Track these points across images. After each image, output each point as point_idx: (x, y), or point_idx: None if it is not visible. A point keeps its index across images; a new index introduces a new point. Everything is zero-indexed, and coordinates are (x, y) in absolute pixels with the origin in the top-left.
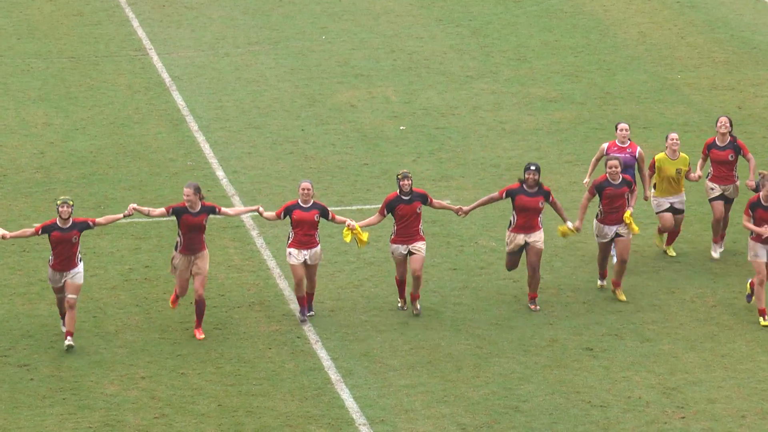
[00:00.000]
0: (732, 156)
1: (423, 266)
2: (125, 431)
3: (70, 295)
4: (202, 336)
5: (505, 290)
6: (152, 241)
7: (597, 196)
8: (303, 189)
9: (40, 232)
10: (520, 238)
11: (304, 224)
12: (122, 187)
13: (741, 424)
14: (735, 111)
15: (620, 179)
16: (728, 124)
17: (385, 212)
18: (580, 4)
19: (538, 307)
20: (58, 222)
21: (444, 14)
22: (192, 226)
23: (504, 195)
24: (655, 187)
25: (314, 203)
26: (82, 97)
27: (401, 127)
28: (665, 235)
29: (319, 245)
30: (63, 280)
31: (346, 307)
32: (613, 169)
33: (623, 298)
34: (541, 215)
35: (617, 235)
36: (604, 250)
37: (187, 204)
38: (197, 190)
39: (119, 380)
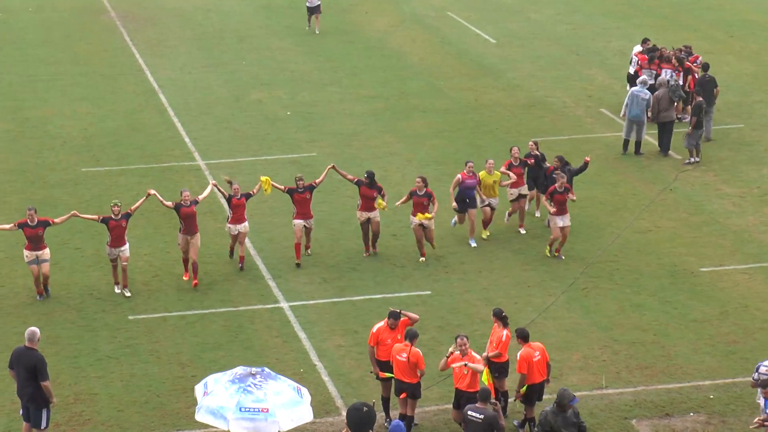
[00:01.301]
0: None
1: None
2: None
3: (123, 263)
4: (196, 282)
5: None
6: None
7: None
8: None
9: (99, 220)
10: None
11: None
12: (133, 149)
13: None
14: (473, 101)
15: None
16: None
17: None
18: (384, 41)
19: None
20: (112, 216)
21: (313, 48)
22: (188, 215)
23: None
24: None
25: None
26: (107, 97)
27: (288, 113)
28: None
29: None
30: (117, 254)
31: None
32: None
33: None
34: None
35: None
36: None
37: (182, 201)
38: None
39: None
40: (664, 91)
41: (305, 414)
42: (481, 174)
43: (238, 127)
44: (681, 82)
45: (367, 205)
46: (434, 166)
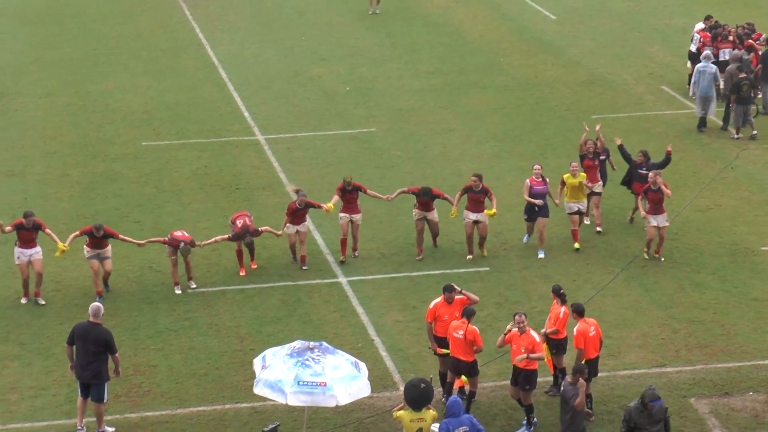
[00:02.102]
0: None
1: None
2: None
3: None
4: (255, 265)
5: None
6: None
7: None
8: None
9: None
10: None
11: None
12: (192, 123)
13: None
14: (533, 78)
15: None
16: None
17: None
18: (444, 17)
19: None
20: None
21: (373, 23)
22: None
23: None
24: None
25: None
26: (168, 72)
27: (347, 88)
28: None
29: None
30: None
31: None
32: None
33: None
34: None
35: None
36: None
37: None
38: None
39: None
40: (735, 66)
41: (363, 388)
42: (566, 176)
43: (297, 103)
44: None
45: (424, 205)
46: (492, 143)
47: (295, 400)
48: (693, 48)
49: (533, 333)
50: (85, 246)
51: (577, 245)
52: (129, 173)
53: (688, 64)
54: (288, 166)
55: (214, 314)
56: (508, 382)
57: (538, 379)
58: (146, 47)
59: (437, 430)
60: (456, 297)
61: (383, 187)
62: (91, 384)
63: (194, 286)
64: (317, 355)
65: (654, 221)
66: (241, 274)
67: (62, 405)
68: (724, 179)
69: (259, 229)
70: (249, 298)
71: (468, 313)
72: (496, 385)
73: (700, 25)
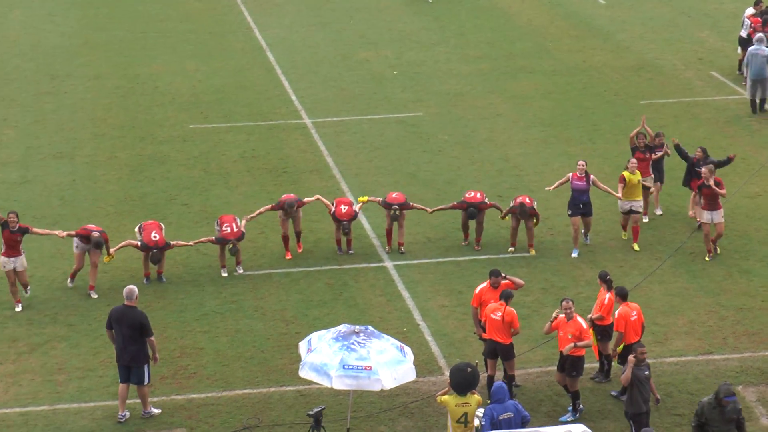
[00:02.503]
0: None
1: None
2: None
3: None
4: (301, 248)
5: None
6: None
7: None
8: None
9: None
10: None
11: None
12: (240, 106)
13: None
14: (581, 63)
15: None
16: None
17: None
18: (493, 1)
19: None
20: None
21: (421, 7)
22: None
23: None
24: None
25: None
26: (216, 55)
27: (394, 72)
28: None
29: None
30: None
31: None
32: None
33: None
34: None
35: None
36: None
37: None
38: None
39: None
40: None
41: (408, 373)
42: (625, 174)
43: (344, 86)
44: None
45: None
46: (540, 128)
47: (340, 383)
48: (743, 33)
49: (580, 319)
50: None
51: (624, 234)
52: (177, 156)
53: (739, 50)
54: (335, 149)
55: (260, 297)
56: (554, 368)
57: (585, 365)
58: (194, 30)
59: (482, 415)
60: (502, 282)
61: (430, 171)
62: (131, 367)
63: (241, 271)
64: (363, 339)
65: (708, 216)
66: (287, 257)
67: (109, 386)
68: None
69: (305, 200)
70: (295, 282)
71: (506, 296)
72: (542, 371)
73: (751, 10)
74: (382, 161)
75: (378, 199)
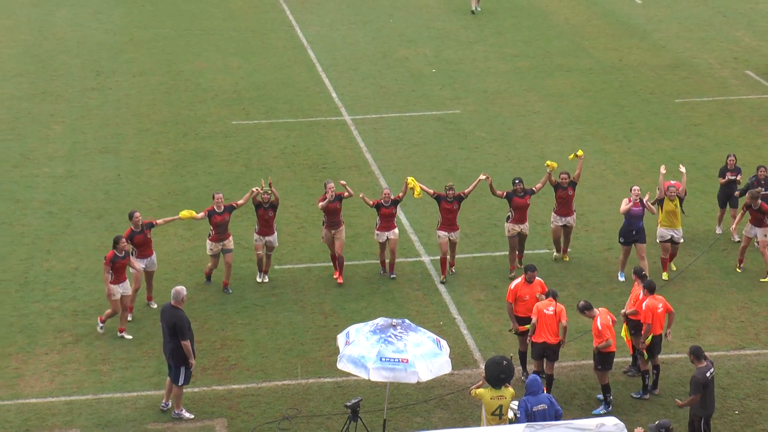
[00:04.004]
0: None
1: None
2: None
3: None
4: (341, 281)
5: None
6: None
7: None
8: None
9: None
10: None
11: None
12: (281, 103)
13: None
14: (617, 62)
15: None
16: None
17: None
18: (534, 1)
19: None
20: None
21: (460, 6)
22: (332, 210)
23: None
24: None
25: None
26: (258, 52)
27: (433, 70)
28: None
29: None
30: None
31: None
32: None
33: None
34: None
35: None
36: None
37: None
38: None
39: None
40: None
41: (444, 366)
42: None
43: (383, 84)
44: None
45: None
46: (576, 126)
47: (377, 375)
48: None
49: (606, 315)
50: (208, 240)
51: (665, 275)
52: (219, 151)
53: None
54: (374, 146)
55: (300, 291)
56: (587, 362)
57: (616, 359)
58: (237, 28)
59: (516, 407)
60: (536, 278)
61: (467, 168)
62: (170, 364)
63: (266, 280)
64: (400, 332)
65: (752, 232)
66: (335, 276)
67: (151, 377)
68: None
69: (344, 195)
70: (334, 276)
71: (553, 294)
72: (576, 365)
73: None
74: (420, 158)
75: (431, 191)
